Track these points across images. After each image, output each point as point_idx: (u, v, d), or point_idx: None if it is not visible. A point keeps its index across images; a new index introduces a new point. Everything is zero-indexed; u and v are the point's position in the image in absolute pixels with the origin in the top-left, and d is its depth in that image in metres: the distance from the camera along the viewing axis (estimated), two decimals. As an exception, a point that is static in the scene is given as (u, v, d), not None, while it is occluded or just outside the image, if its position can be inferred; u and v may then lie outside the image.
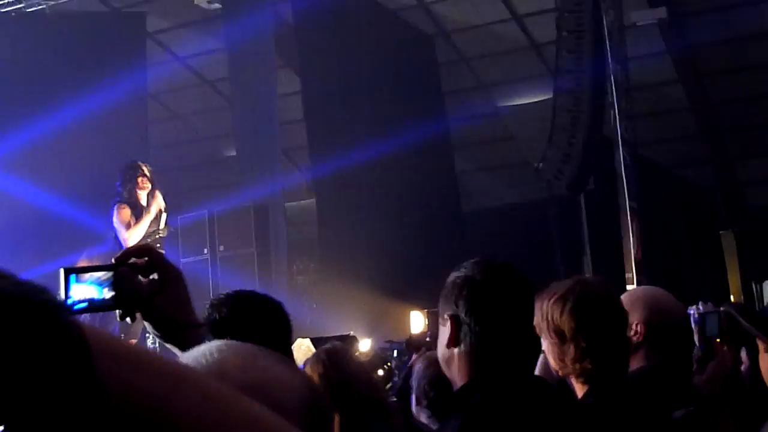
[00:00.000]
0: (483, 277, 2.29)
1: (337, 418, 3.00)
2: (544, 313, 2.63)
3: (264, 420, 0.78)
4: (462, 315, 2.27)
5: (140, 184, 8.42)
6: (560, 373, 2.66)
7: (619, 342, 2.66)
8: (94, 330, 0.67)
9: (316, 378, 2.97)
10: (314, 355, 3.26)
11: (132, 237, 8.26)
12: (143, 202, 8.42)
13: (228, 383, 0.88)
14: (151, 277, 1.88)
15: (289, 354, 2.51)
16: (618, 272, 10.49)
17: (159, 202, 8.47)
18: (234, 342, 1.17)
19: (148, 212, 8.33)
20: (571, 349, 2.59)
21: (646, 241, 11.01)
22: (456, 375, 2.30)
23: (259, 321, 2.48)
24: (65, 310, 0.66)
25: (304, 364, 3.13)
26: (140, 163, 8.63)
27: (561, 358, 2.61)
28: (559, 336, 2.60)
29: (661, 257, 12.11)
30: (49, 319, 0.65)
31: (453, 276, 2.34)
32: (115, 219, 8.36)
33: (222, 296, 2.58)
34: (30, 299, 0.65)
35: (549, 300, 2.64)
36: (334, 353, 3.20)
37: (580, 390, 2.60)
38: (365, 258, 11.70)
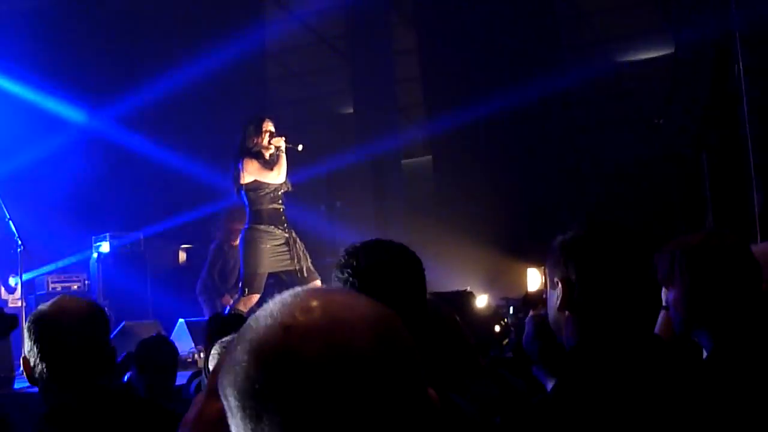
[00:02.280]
0: (591, 238, 2.27)
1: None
2: (674, 264, 2.58)
3: None
4: (572, 277, 2.25)
5: (264, 137, 8.41)
6: (687, 326, 2.61)
7: (753, 294, 2.60)
8: None
9: None
10: None
11: (281, 175, 8.35)
12: (267, 156, 8.43)
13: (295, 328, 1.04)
14: None
15: (424, 301, 2.49)
16: (742, 230, 10.25)
17: (300, 149, 8.50)
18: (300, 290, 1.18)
19: (282, 152, 8.35)
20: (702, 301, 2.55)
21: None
22: (568, 337, 2.29)
23: (396, 268, 2.46)
24: None
25: None
26: (264, 117, 8.63)
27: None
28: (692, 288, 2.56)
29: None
30: None
31: (560, 238, 2.32)
32: (246, 174, 8.35)
33: (359, 244, 2.57)
34: None
35: (680, 250, 2.59)
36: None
37: (708, 343, 2.55)
38: (481, 215, 11.69)
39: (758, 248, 3.04)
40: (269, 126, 8.46)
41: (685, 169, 12.13)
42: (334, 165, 12.24)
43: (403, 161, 13.05)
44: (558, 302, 2.28)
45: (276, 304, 1.13)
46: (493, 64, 12.75)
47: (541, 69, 13.07)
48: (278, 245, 8.34)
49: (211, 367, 3.71)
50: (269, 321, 1.10)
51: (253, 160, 8.33)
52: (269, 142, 8.38)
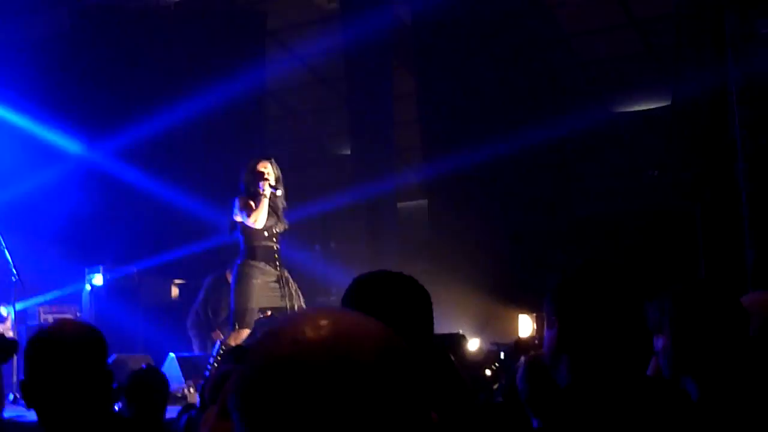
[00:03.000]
0: (588, 280, 2.29)
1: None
2: (663, 312, 2.61)
3: None
4: (567, 318, 2.27)
5: (261, 177, 8.43)
6: (674, 373, 2.64)
7: (740, 343, 2.62)
8: None
9: None
10: None
11: (258, 221, 8.34)
12: (264, 194, 8.45)
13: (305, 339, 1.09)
14: None
15: (431, 332, 2.51)
16: (735, 286, 10.26)
17: (279, 195, 8.54)
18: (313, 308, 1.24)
19: (265, 196, 8.36)
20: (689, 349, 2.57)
21: (765, 253, 10.75)
22: (562, 377, 2.31)
23: (405, 300, 2.48)
24: None
25: None
26: (259, 158, 8.67)
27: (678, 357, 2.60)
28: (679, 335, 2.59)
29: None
30: None
31: (559, 279, 2.35)
32: (236, 209, 8.43)
33: (369, 275, 2.59)
34: None
35: (668, 298, 2.62)
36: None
37: (696, 391, 2.58)
38: (475, 259, 11.71)
39: (748, 298, 3.07)
40: (262, 167, 8.50)
41: (679, 222, 12.17)
42: (330, 205, 12.28)
43: (398, 204, 13.09)
44: (554, 342, 2.30)
45: (287, 320, 1.18)
46: (490, 110, 12.83)
47: (538, 116, 13.16)
48: (270, 282, 8.37)
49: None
50: (279, 336, 1.14)
51: (244, 199, 8.42)
52: (258, 185, 8.42)
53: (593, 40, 14.28)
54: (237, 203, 8.43)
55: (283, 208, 8.68)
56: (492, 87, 12.95)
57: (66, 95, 12.28)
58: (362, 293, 2.46)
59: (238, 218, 8.43)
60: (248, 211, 8.35)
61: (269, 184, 8.43)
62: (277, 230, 8.54)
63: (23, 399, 2.88)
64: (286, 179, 8.65)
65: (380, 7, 12.40)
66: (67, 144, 12.16)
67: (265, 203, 8.38)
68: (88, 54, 12.52)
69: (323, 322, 1.14)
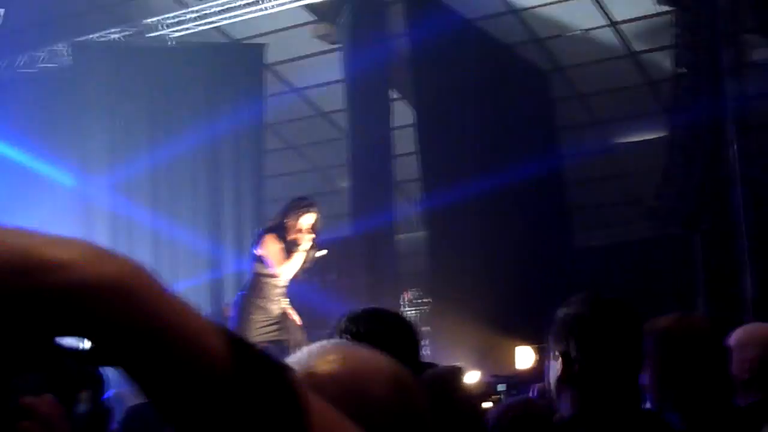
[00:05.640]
0: (592, 314, 2.31)
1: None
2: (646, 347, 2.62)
3: None
4: (573, 352, 2.28)
5: (300, 224, 8.24)
6: (659, 407, 2.64)
7: (722, 378, 2.63)
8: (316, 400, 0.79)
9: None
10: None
11: (284, 274, 8.16)
12: (303, 249, 8.21)
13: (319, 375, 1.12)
14: None
15: (418, 369, 2.54)
16: (733, 313, 10.25)
17: (317, 255, 8.39)
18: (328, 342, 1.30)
19: (300, 249, 8.15)
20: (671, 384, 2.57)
21: (764, 282, 10.73)
22: (565, 408, 2.32)
23: (392, 336, 2.51)
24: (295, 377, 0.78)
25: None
26: (313, 206, 8.45)
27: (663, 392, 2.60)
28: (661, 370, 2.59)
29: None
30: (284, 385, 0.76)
31: (562, 312, 2.36)
32: (262, 249, 8.18)
33: (359, 311, 2.63)
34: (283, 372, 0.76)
35: (650, 333, 2.63)
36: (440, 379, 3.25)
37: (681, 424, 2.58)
38: (474, 291, 11.69)
39: (739, 331, 3.07)
40: (310, 219, 8.28)
41: (678, 252, 12.16)
42: (329, 238, 12.25)
43: (397, 236, 13.08)
44: (558, 375, 2.31)
45: (303, 353, 1.22)
46: (489, 142, 12.87)
47: (536, 147, 13.20)
48: (270, 318, 8.28)
49: None
50: (296, 368, 1.14)
51: (276, 242, 8.16)
52: (298, 233, 8.21)
53: (591, 71, 14.34)
54: (266, 242, 8.16)
55: (311, 263, 8.49)
56: (490, 118, 12.99)
57: (63, 130, 12.32)
58: (349, 329, 2.51)
59: (260, 254, 8.21)
60: (275, 259, 8.11)
61: (311, 239, 8.25)
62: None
63: None
64: (283, 207, 8.54)
65: (379, 39, 12.45)
66: (62, 178, 12.18)
67: (299, 259, 8.19)
68: (85, 88, 12.56)
69: (336, 356, 1.18)
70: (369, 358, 1.20)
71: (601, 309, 2.32)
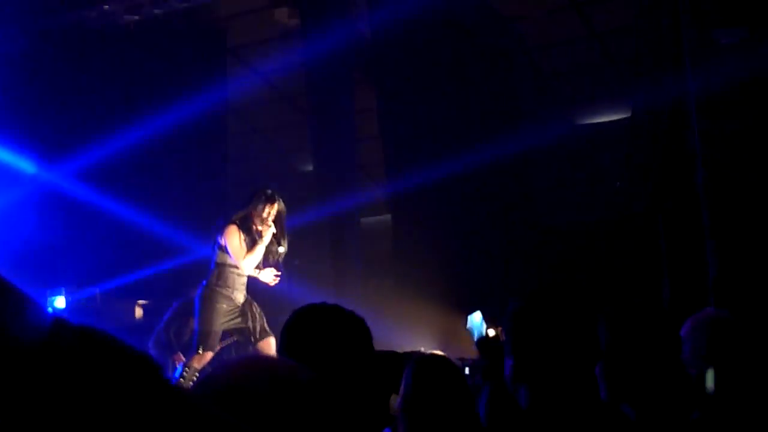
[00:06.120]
0: (531, 310, 2.32)
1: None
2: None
3: None
4: (520, 348, 2.30)
5: (264, 214, 8.17)
6: (611, 397, 2.65)
7: (673, 366, 2.64)
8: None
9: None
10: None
11: (246, 267, 8.12)
12: (258, 230, 8.15)
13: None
14: None
15: (372, 365, 2.54)
16: (696, 294, 10.33)
17: (281, 252, 8.34)
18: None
19: (261, 241, 8.10)
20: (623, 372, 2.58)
21: (725, 262, 10.82)
22: (522, 401, 2.34)
23: (340, 333, 2.51)
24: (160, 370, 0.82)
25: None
26: (276, 197, 8.35)
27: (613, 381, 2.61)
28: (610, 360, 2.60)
29: (741, 279, 11.89)
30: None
31: (509, 308, 2.38)
32: (225, 240, 8.11)
33: (305, 307, 2.62)
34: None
35: (602, 324, 2.64)
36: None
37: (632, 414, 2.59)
38: (439, 274, 11.71)
39: (693, 317, 3.08)
40: (269, 209, 8.19)
41: (641, 231, 12.24)
42: (293, 222, 12.22)
43: (361, 219, 13.07)
44: (512, 372, 2.32)
45: (222, 369, 1.30)
46: (451, 124, 12.86)
47: (500, 129, 13.20)
48: (234, 306, 8.25)
49: None
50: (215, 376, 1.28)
51: (239, 232, 8.09)
52: (262, 224, 8.14)
53: (553, 53, 14.36)
54: (229, 233, 8.09)
55: (278, 258, 8.45)
56: (453, 101, 12.98)
57: (21, 115, 12.16)
58: (299, 326, 2.52)
59: (223, 245, 8.14)
60: (237, 252, 8.06)
61: (272, 232, 8.20)
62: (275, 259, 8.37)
63: None
64: (246, 196, 8.49)
65: (341, 23, 12.40)
66: (23, 165, 12.05)
67: (260, 251, 8.14)
68: (44, 73, 12.42)
69: (255, 371, 1.25)
70: (282, 370, 1.28)
71: (539, 303, 2.33)
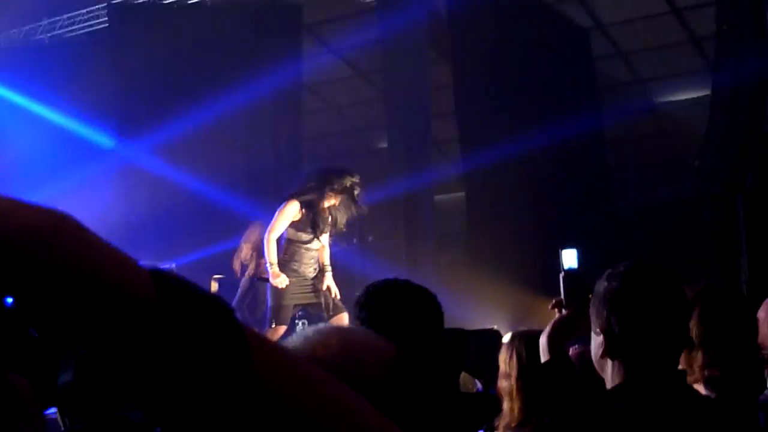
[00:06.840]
0: (632, 289, 2.30)
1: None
2: None
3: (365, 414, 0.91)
4: (613, 328, 2.28)
5: (328, 194, 8.22)
6: (687, 380, 2.61)
7: (748, 351, 2.60)
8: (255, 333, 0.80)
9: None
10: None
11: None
12: (321, 211, 8.20)
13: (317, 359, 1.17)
14: None
15: (441, 343, 2.54)
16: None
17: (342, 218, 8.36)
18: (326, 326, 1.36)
19: (323, 218, 8.19)
20: (699, 356, 2.55)
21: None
22: (609, 380, 2.33)
23: (411, 309, 2.51)
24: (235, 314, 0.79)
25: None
26: (350, 176, 8.39)
27: (689, 365, 2.58)
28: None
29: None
30: (224, 321, 0.76)
31: (602, 287, 2.36)
32: (278, 210, 8.19)
33: (380, 284, 2.62)
34: (213, 302, 0.77)
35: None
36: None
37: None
38: (512, 252, 11.64)
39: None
40: (338, 199, 8.26)
41: (720, 211, 12.02)
42: (368, 199, 12.23)
43: (435, 197, 13.03)
44: (600, 350, 2.30)
45: (300, 338, 1.26)
46: (528, 102, 12.74)
47: (576, 107, 13.04)
48: (305, 280, 8.31)
49: None
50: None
51: (298, 204, 8.16)
52: (331, 201, 8.21)
53: (633, 29, 14.14)
54: (284, 205, 8.18)
55: (338, 230, 8.47)
56: (529, 78, 12.85)
57: (101, 91, 12.34)
58: (371, 301, 2.52)
59: (276, 217, 8.22)
60: (275, 223, 8.13)
61: (347, 208, 8.29)
62: (322, 239, 8.41)
63: None
64: (320, 174, 8.50)
65: (416, -1, 12.37)
66: (103, 140, 12.23)
67: (321, 227, 8.20)
68: (124, 50, 12.59)
69: (333, 341, 1.22)
70: (366, 344, 1.24)
71: (639, 282, 2.31)
